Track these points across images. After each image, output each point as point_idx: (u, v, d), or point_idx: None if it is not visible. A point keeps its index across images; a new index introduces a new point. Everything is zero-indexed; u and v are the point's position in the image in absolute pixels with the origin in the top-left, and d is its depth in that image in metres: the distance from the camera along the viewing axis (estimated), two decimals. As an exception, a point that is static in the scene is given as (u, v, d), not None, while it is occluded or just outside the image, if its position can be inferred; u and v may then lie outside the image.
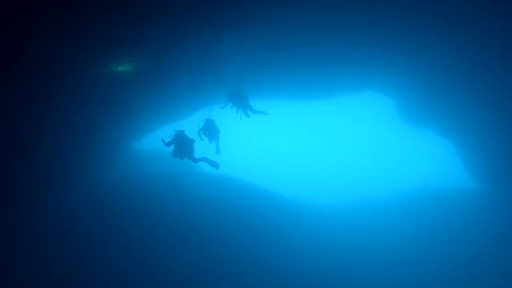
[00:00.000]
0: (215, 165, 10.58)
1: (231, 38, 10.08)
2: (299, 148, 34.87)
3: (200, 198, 13.44)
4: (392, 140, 26.98)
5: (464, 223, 13.30)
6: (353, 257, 12.35)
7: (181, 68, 11.37)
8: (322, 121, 31.76)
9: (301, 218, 14.47)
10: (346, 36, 10.54)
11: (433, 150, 21.11)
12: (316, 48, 11.25)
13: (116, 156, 14.72)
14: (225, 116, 11.49)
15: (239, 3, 8.30)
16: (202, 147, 11.01)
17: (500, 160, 11.98)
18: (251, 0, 8.32)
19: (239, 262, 11.23)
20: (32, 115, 9.02)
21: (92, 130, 11.56)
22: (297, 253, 12.09)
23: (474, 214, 13.63)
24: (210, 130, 10.57)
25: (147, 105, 13.10)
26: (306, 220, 14.41)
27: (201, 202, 13.18)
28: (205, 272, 10.71)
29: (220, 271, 10.86)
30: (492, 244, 12.12)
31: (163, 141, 9.80)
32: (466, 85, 11.10)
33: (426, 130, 15.85)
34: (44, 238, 10.17)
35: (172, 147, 10.02)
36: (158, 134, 10.03)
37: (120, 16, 7.75)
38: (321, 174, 25.68)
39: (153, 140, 16.18)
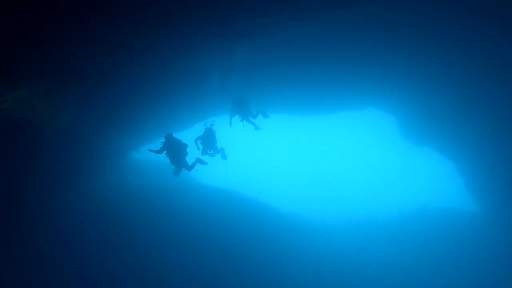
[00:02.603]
0: (204, 163, 10.18)
1: (239, 52, 10.17)
2: (300, 163, 34.74)
3: (199, 211, 13.29)
4: (393, 158, 26.89)
5: (464, 245, 13.15)
6: (352, 275, 12.18)
7: (186, 79, 11.42)
8: (323, 136, 31.73)
9: (299, 234, 14.28)
10: (350, 54, 10.67)
11: (435, 169, 21.02)
12: (320, 64, 11.37)
13: (116, 166, 14.63)
14: (227, 129, 11.38)
15: (249, 20, 8.41)
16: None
17: (501, 182, 11.87)
18: (260, 18, 8.43)
19: (236, 275, 11.06)
20: (33, 122, 8.99)
21: (92, 139, 11.53)
22: (296, 268, 11.94)
23: (474, 236, 13.47)
24: (208, 140, 10.34)
25: (149, 114, 13.09)
26: (304, 236, 14.22)
27: (199, 215, 13.02)
28: (202, 285, 10.51)
29: (217, 284, 10.65)
30: (492, 267, 11.95)
31: (151, 150, 9.45)
32: (467, 105, 11.13)
33: (427, 148, 15.79)
34: (42, 245, 10.13)
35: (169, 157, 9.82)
36: (156, 144, 9.78)
37: (133, 26, 7.78)
38: (321, 190, 25.49)
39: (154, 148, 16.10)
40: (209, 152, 10.55)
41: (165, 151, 9.52)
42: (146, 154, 14.80)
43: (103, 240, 10.98)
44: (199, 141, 10.37)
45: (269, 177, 29.13)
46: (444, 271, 12.35)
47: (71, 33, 7.44)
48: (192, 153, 10.04)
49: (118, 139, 13.21)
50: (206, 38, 8.94)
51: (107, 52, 8.58)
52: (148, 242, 11.44)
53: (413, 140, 15.51)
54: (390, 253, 13.46)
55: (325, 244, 14.00)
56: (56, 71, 8.40)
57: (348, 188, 25.79)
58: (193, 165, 9.90)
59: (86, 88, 9.62)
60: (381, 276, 12.30)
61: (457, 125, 12.17)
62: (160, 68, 10.35)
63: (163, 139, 9.50)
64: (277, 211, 15.81)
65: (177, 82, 11.49)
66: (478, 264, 12.27)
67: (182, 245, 11.69)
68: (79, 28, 7.34)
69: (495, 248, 12.50)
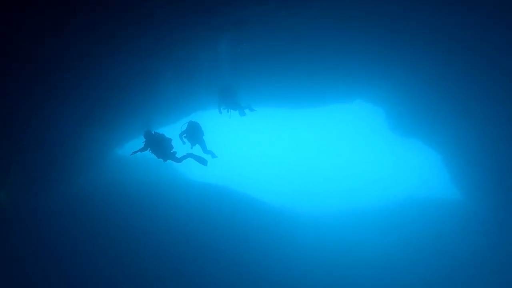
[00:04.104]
0: (202, 161, 9.49)
1: (226, 43, 9.93)
2: (288, 157, 34.87)
3: (187, 208, 13.08)
4: (381, 150, 27.32)
5: (449, 233, 13.46)
6: (342, 266, 12.30)
7: (172, 72, 11.11)
8: (312, 129, 31.94)
9: (289, 228, 14.30)
10: (338, 46, 10.61)
11: (421, 160, 21.47)
12: (308, 56, 11.26)
13: (99, 163, 14.22)
14: (215, 123, 11.15)
15: (236, 8, 8.17)
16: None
17: (484, 171, 12.17)
18: (248, 7, 8.19)
19: (227, 271, 10.93)
20: (14, 119, 8.56)
21: (75, 135, 11.13)
22: (285, 262, 11.94)
23: (458, 224, 13.81)
24: (193, 133, 9.69)
25: (133, 109, 12.73)
26: (294, 230, 14.25)
27: (188, 212, 12.82)
28: (192, 282, 10.36)
29: (208, 281, 10.51)
30: (476, 253, 12.30)
31: (135, 152, 9.01)
32: (453, 98, 11.28)
33: (414, 140, 16.04)
34: (22, 246, 9.76)
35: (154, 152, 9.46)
36: (140, 141, 9.41)
37: (118, 15, 7.37)
38: (310, 183, 25.67)
39: (138, 146, 15.75)
40: (196, 145, 10.05)
41: (149, 149, 9.07)
42: (131, 151, 14.46)
43: (87, 241, 10.66)
44: (184, 135, 9.77)
45: (257, 172, 29.12)
46: (430, 258, 12.62)
47: (51, 23, 7.01)
48: (183, 150, 9.68)
49: (101, 135, 12.81)
50: (193, 28, 8.64)
51: (88, 44, 8.17)
52: (135, 239, 11.19)
53: (400, 132, 15.71)
54: (378, 243, 13.66)
55: (314, 237, 14.09)
56: (35, 64, 7.97)
57: (336, 180, 26.07)
58: (183, 158, 9.42)
59: (66, 82, 9.19)
60: (370, 266, 12.47)
61: (443, 117, 12.35)
62: (144, 60, 10.00)
63: (143, 138, 9.02)
64: (267, 206, 15.79)
65: (163, 75, 11.18)
66: (461, 250, 12.61)
67: (171, 241, 11.50)
68: (59, 17, 6.91)
69: (477, 235, 12.86)
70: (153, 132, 9.01)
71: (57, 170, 11.33)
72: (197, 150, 9.80)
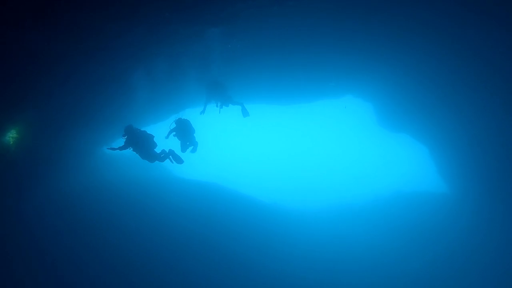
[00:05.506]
0: (179, 160, 8.99)
1: (217, 39, 9.76)
2: (279, 153, 34.93)
3: (179, 206, 12.94)
4: (370, 144, 27.61)
5: (437, 225, 13.73)
6: (333, 260, 12.41)
7: (162, 68, 10.90)
8: (302, 125, 32.03)
9: (282, 224, 14.33)
10: (329, 42, 10.59)
11: (409, 154, 21.79)
12: (299, 53, 11.22)
13: (87, 161, 13.93)
14: (205, 120, 10.98)
15: (230, 3, 8.01)
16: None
17: (470, 165, 12.41)
18: (240, 2, 8.05)
19: (220, 268, 10.90)
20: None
21: (62, 132, 10.85)
22: (278, 258, 11.97)
23: (445, 217, 14.10)
24: (183, 132, 9.12)
25: (122, 107, 12.48)
26: (287, 226, 14.29)
27: (180, 210, 12.68)
28: (185, 280, 10.29)
29: (201, 278, 10.46)
30: (462, 244, 12.59)
31: (113, 148, 8.34)
32: (440, 92, 11.42)
33: (402, 134, 16.24)
34: (8, 248, 9.56)
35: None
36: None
37: (107, 10, 7.13)
38: (301, 179, 25.78)
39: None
40: (187, 145, 9.39)
41: (131, 147, 8.38)
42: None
43: (76, 241, 10.46)
44: (173, 133, 9.21)
45: (247, 168, 29.08)
46: (418, 250, 12.85)
47: (37, 18, 6.75)
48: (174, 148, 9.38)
49: (88, 133, 12.54)
50: (183, 22, 8.47)
51: (77, 39, 7.93)
52: (125, 238, 11.03)
53: (389, 126, 15.87)
54: (368, 237, 13.83)
55: (305, 232, 14.18)
56: (21, 60, 7.69)
57: (326, 175, 26.25)
58: (166, 157, 8.96)
59: (54, 79, 8.92)
60: (360, 259, 12.62)
61: (431, 111, 12.50)
62: (133, 56, 9.78)
63: (123, 132, 8.24)
64: (258, 202, 15.78)
65: (152, 71, 10.97)
66: (448, 242, 12.89)
67: (162, 240, 11.37)
68: (45, 12, 6.66)
69: (464, 227, 13.15)
70: (134, 128, 8.37)
71: (45, 170, 11.05)
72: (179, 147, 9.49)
